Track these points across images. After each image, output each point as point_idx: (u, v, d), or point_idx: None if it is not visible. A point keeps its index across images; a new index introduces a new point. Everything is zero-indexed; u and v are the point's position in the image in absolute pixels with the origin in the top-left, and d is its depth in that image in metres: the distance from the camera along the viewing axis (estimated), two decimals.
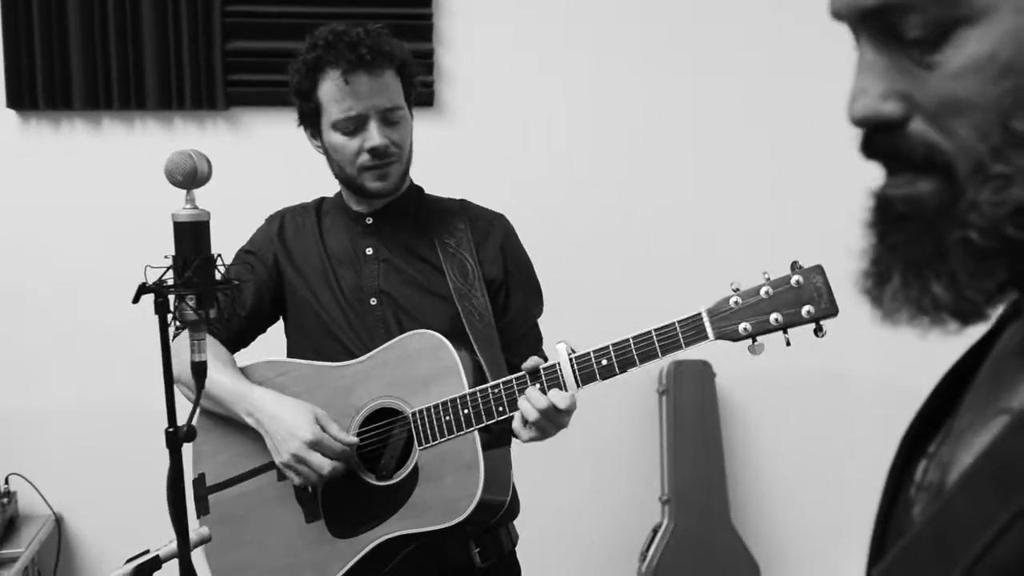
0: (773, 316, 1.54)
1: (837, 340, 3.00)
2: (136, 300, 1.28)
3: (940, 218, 0.59)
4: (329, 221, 2.00)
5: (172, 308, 1.28)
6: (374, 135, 1.83)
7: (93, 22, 2.96)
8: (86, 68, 2.98)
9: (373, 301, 1.91)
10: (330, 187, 2.08)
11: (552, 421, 1.68)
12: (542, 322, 2.04)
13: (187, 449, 1.97)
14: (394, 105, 1.85)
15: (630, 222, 3.24)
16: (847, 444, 3.36)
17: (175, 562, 1.36)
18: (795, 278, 1.53)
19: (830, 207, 3.25)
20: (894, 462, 0.78)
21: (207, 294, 1.29)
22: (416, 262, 1.93)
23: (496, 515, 1.83)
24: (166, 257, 1.32)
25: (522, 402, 1.68)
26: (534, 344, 1.97)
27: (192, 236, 1.31)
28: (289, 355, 2.01)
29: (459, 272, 1.90)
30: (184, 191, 1.35)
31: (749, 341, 1.56)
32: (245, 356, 2.02)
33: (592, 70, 3.22)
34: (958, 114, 0.58)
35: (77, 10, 2.95)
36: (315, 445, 1.77)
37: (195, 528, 1.38)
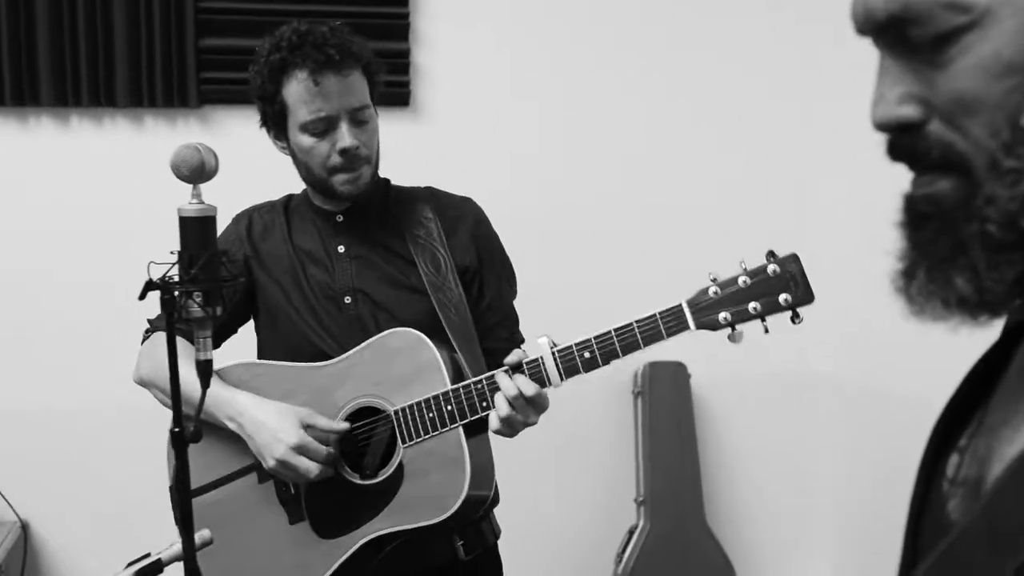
0: (752, 305, 1.56)
1: (810, 342, 3.05)
2: (143, 296, 1.24)
3: (959, 214, 0.62)
4: (298, 219, 1.97)
5: (177, 305, 1.24)
6: (345, 136, 1.80)
7: (62, 16, 2.90)
8: (54, 64, 2.91)
9: (347, 300, 1.89)
10: (303, 188, 2.05)
11: (521, 413, 1.68)
12: (524, 316, 2.03)
13: (158, 454, 1.97)
14: (362, 105, 1.83)
15: (605, 220, 3.24)
16: (820, 445, 3.39)
17: (175, 565, 1.32)
18: (771, 267, 1.56)
19: (806, 199, 3.30)
20: (924, 456, 0.78)
21: (214, 291, 1.25)
22: (390, 257, 1.91)
23: (480, 509, 1.84)
24: (172, 253, 1.29)
25: (498, 396, 1.68)
26: (512, 327, 1.96)
27: (200, 232, 1.28)
28: (260, 356, 1.98)
29: (431, 264, 1.88)
30: (190, 186, 1.32)
31: (729, 330, 1.58)
32: (217, 358, 1.97)
33: (568, 70, 3.22)
34: (970, 113, 0.61)
35: (45, 4, 2.88)
36: (300, 449, 1.76)
37: (197, 531, 1.35)
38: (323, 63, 1.77)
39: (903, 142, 0.65)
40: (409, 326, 1.81)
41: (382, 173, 1.97)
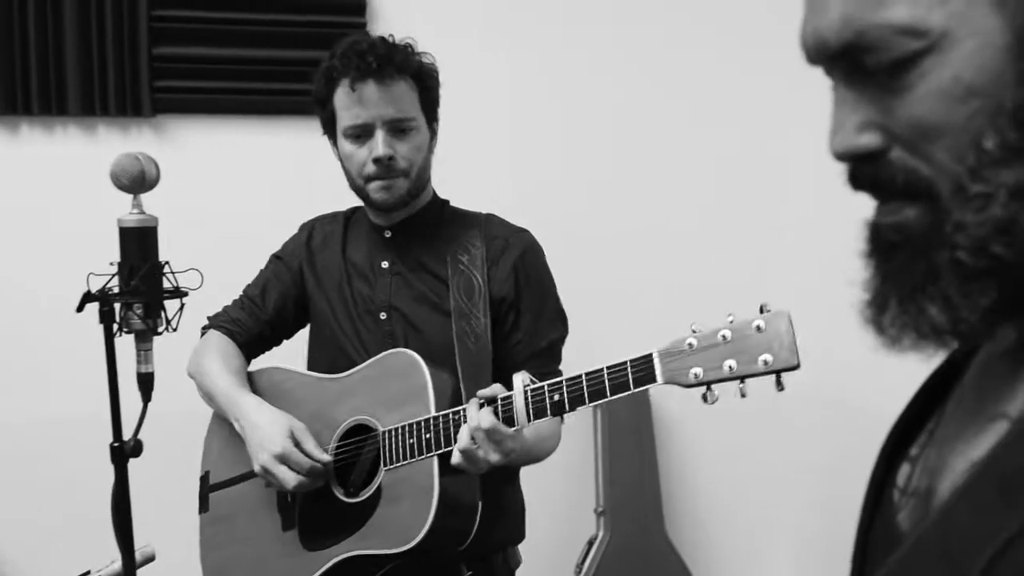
0: (727, 364, 1.39)
1: None
2: (80, 308, 1.22)
3: (929, 242, 0.61)
4: (354, 232, 2.01)
5: (118, 317, 1.22)
6: (379, 145, 1.81)
7: (12, 23, 2.85)
8: (4, 71, 2.86)
9: (383, 315, 1.90)
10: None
11: (482, 448, 1.60)
12: None
13: (172, 448, 1.96)
14: (404, 116, 1.83)
15: (583, 230, 3.23)
16: (779, 456, 3.40)
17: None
18: (756, 323, 1.37)
19: (790, 207, 3.31)
20: (876, 466, 0.78)
21: (155, 303, 1.23)
22: (427, 277, 1.91)
23: (461, 543, 1.75)
24: (112, 264, 1.26)
25: (462, 428, 1.61)
26: (544, 364, 1.87)
27: (139, 242, 1.26)
28: (308, 364, 2.01)
29: (464, 290, 1.87)
30: (129, 196, 1.29)
31: (703, 389, 1.42)
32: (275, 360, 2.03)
33: (532, 75, 3.22)
34: (932, 139, 0.60)
35: None
36: (283, 459, 1.76)
37: (139, 547, 1.32)
38: (363, 71, 1.79)
39: (865, 171, 0.64)
40: (436, 348, 1.81)
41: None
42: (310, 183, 2.04)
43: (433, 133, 1.91)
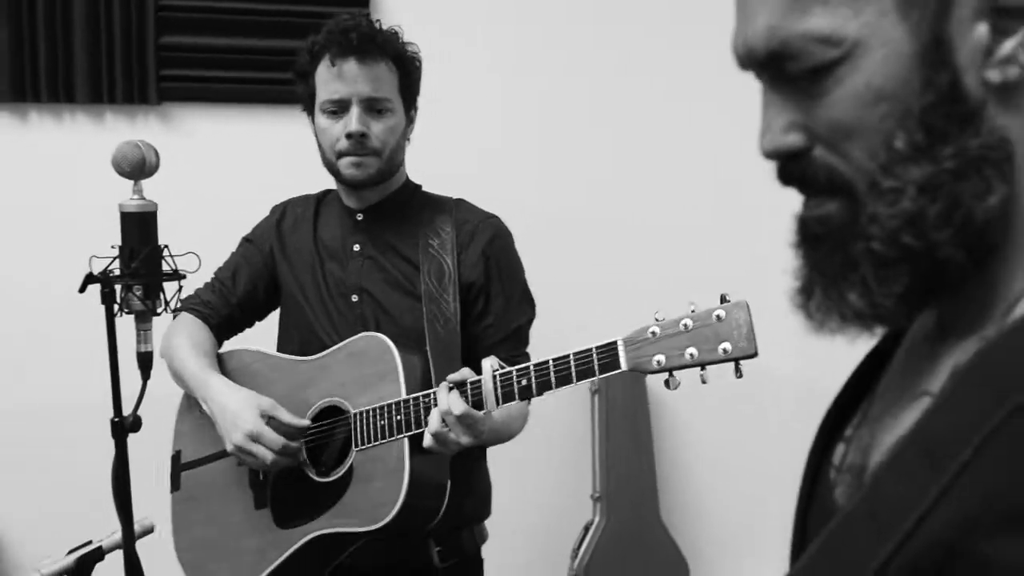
0: (688, 351, 1.45)
1: (764, 340, 3.09)
2: (83, 289, 1.27)
3: (847, 233, 0.66)
4: (326, 214, 2.03)
5: (118, 299, 1.27)
6: (352, 120, 1.84)
7: (21, 11, 2.90)
8: (13, 59, 2.91)
9: (354, 298, 1.93)
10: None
11: (453, 431, 1.65)
12: None
13: (168, 426, 2.03)
14: (381, 96, 1.87)
15: (568, 218, 3.27)
16: (773, 442, 3.44)
17: (118, 553, 1.35)
18: (717, 312, 1.44)
19: (777, 197, 3.34)
20: (813, 447, 0.83)
21: (154, 285, 1.28)
22: (398, 261, 1.94)
23: (431, 520, 1.79)
24: (113, 247, 1.32)
25: (432, 411, 1.66)
26: (514, 348, 1.92)
27: (139, 226, 1.31)
28: (278, 346, 2.03)
29: (435, 275, 1.90)
30: (130, 182, 1.34)
31: (665, 375, 1.49)
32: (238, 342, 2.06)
33: (528, 70, 3.25)
34: (849, 139, 0.65)
35: None
36: (255, 437, 1.79)
37: (139, 519, 1.38)
38: (345, 47, 1.84)
39: (791, 168, 0.69)
40: (406, 331, 1.84)
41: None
42: (312, 171, 2.08)
43: (410, 120, 1.96)
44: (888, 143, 0.64)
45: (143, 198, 1.33)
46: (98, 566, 1.39)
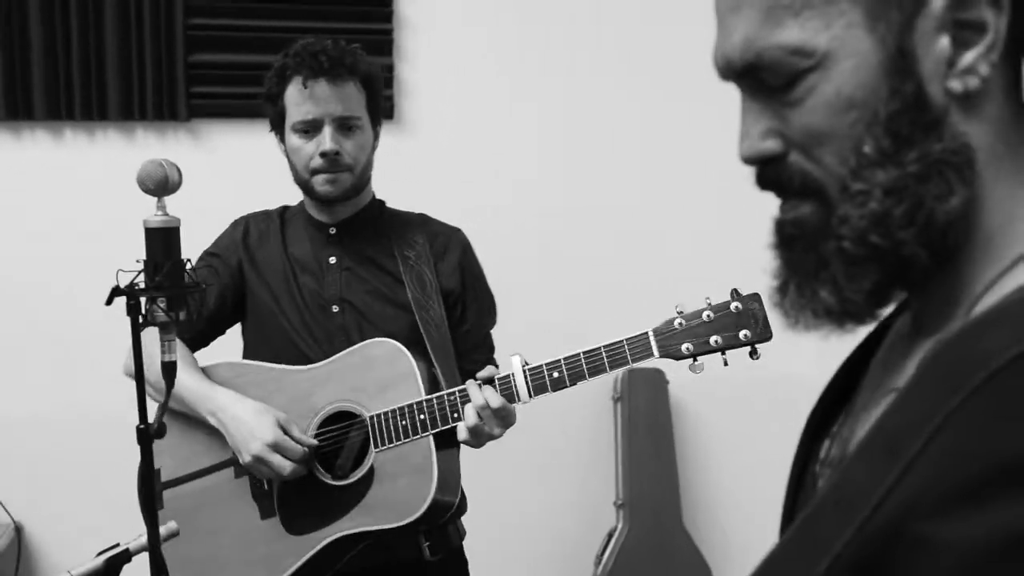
0: (713, 338, 1.69)
1: (786, 346, 3.10)
2: (109, 302, 1.33)
3: (819, 234, 0.70)
4: (292, 229, 2.08)
5: (143, 310, 1.33)
6: (327, 139, 1.92)
7: (55, 31, 2.99)
8: (48, 78, 3.00)
9: (335, 308, 1.98)
10: (289, 199, 2.14)
11: (487, 424, 1.77)
12: (498, 331, 2.12)
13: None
14: (351, 115, 1.94)
15: (592, 230, 3.31)
16: (795, 449, 3.45)
17: (144, 556, 1.40)
18: (734, 304, 1.69)
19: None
20: (800, 442, 0.87)
21: (177, 297, 1.34)
22: (378, 272, 2.01)
23: (446, 515, 1.91)
24: (137, 261, 1.38)
25: (467, 407, 1.77)
26: (488, 353, 2.06)
27: (163, 241, 1.36)
28: (245, 358, 2.06)
29: (418, 283, 1.98)
30: (155, 198, 1.40)
31: (691, 361, 1.71)
32: (202, 357, 2.08)
33: (550, 83, 3.29)
34: (821, 144, 0.69)
35: (39, 20, 2.98)
36: (275, 447, 1.84)
37: (163, 523, 1.43)
38: (315, 69, 1.91)
39: (768, 173, 0.73)
40: (393, 338, 1.90)
41: (378, 194, 2.08)
42: None
43: (376, 135, 2.02)
44: (857, 148, 0.68)
45: (166, 214, 1.39)
46: (125, 568, 1.45)
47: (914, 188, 0.66)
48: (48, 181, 3.09)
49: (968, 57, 0.67)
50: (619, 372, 3.32)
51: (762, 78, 0.71)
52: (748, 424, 3.44)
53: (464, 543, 2.09)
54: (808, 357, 3.30)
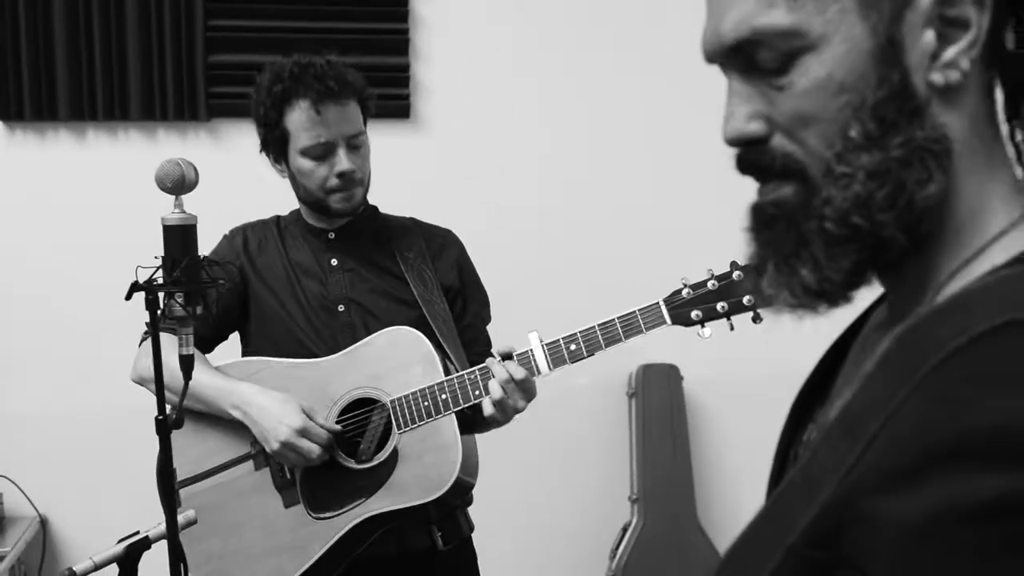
0: (720, 304, 1.81)
1: (801, 341, 3.12)
2: (128, 297, 1.37)
3: (801, 214, 0.72)
4: (290, 237, 2.12)
5: (162, 305, 1.37)
6: (343, 161, 1.95)
7: (78, 35, 3.05)
8: (71, 80, 3.06)
9: (340, 308, 2.04)
10: None
11: (512, 397, 1.84)
12: (511, 319, 2.19)
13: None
14: (358, 131, 1.99)
15: (602, 228, 3.34)
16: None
17: (164, 543, 1.44)
18: (736, 273, 1.81)
19: None
20: (784, 430, 0.90)
21: (194, 292, 1.38)
22: (380, 272, 2.07)
23: (463, 496, 1.99)
24: (156, 258, 1.42)
25: (491, 382, 1.84)
26: (485, 346, 2.11)
27: (180, 238, 1.41)
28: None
29: (420, 280, 2.04)
30: (173, 197, 1.44)
31: (699, 327, 1.82)
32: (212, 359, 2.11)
33: (567, 81, 3.32)
34: (808, 127, 0.71)
35: (63, 23, 3.04)
36: (303, 432, 1.89)
37: (181, 511, 1.47)
38: (324, 93, 1.93)
39: (750, 156, 0.75)
40: None
41: (378, 191, 2.12)
42: None
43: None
44: (844, 132, 0.69)
45: (184, 212, 1.43)
46: (146, 555, 1.49)
47: (896, 172, 0.69)
48: (72, 180, 3.15)
49: (951, 52, 0.69)
50: (633, 368, 3.36)
51: (754, 58, 0.72)
52: (762, 419, 3.43)
53: (479, 537, 2.13)
54: (821, 351, 3.34)
